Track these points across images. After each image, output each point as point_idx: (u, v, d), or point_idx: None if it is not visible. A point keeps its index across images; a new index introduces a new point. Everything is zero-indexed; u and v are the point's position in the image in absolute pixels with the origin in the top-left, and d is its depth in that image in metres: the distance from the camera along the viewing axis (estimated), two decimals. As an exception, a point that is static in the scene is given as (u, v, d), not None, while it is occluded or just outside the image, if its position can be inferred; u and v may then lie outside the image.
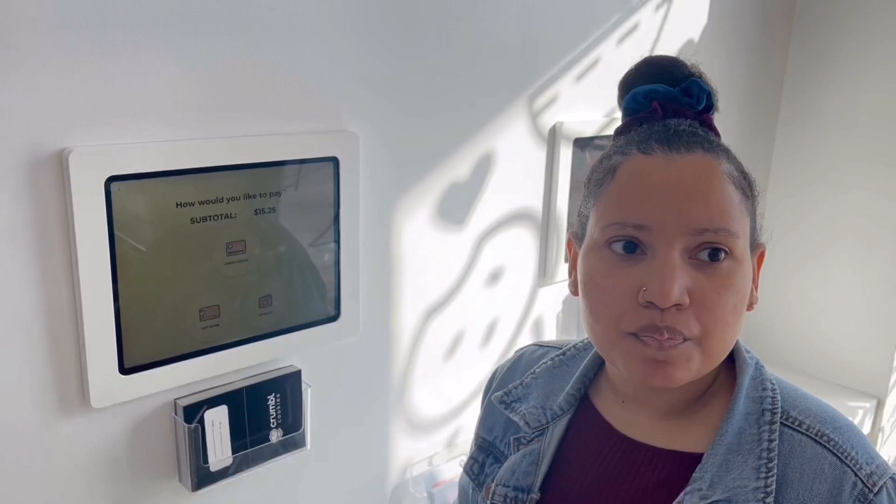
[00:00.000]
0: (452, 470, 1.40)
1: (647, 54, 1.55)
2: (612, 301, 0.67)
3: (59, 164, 0.87)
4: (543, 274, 1.49)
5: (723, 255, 0.65)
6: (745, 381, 0.73)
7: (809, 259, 1.99)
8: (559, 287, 1.53)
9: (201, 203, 0.98)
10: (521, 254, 1.44)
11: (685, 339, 0.65)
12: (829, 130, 1.90)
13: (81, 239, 0.89)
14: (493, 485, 0.80)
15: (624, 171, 0.68)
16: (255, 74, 1.00)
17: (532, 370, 0.86)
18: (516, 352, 0.92)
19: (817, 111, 1.90)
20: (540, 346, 0.90)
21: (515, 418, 0.82)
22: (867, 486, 0.66)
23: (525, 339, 1.50)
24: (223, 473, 1.05)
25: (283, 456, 1.12)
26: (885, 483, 0.67)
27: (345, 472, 1.27)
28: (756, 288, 0.72)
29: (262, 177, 1.03)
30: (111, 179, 0.89)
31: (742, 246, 0.67)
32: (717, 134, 0.74)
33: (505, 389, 0.85)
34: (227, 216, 1.01)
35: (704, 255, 0.65)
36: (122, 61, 0.89)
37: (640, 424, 0.75)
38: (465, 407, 1.43)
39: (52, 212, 0.88)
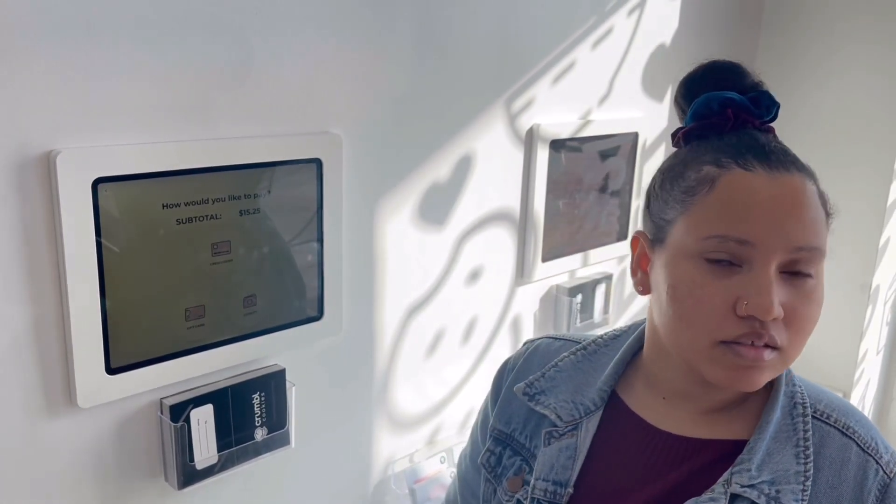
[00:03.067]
0: (433, 466, 1.42)
1: (621, 58, 1.59)
2: (708, 311, 0.69)
3: (47, 165, 0.87)
4: (521, 273, 1.52)
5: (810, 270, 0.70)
6: (782, 378, 0.77)
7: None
8: (536, 286, 1.56)
9: (187, 204, 0.99)
10: (499, 253, 1.47)
11: (773, 350, 0.70)
12: (795, 131, 1.96)
13: (68, 240, 0.89)
14: (532, 479, 0.81)
15: (724, 183, 0.70)
16: (240, 77, 1.02)
17: (553, 363, 0.87)
18: (525, 344, 0.94)
19: (784, 113, 1.95)
20: (556, 339, 0.92)
21: (545, 411, 0.83)
22: (886, 473, 0.73)
23: (504, 338, 1.53)
24: (209, 471, 1.06)
25: (268, 454, 1.13)
26: None
27: (328, 469, 1.28)
28: None
29: (247, 178, 1.04)
30: (98, 181, 0.90)
31: (823, 263, 0.71)
32: None
33: (527, 381, 0.86)
34: (212, 217, 1.02)
35: (794, 270, 0.69)
36: (108, 63, 0.90)
37: (680, 419, 0.78)
38: (445, 404, 1.45)
39: (38, 213, 0.88)
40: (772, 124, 0.78)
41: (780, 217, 0.68)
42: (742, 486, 0.71)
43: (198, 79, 0.98)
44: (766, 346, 0.69)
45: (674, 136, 0.80)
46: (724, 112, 0.75)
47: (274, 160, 1.06)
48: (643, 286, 0.79)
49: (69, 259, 0.90)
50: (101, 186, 0.91)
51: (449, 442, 1.46)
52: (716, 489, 0.72)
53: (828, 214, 0.73)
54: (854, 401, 2.01)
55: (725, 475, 0.72)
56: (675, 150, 0.81)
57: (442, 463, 1.43)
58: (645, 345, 0.83)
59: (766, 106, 0.76)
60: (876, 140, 1.85)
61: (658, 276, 0.75)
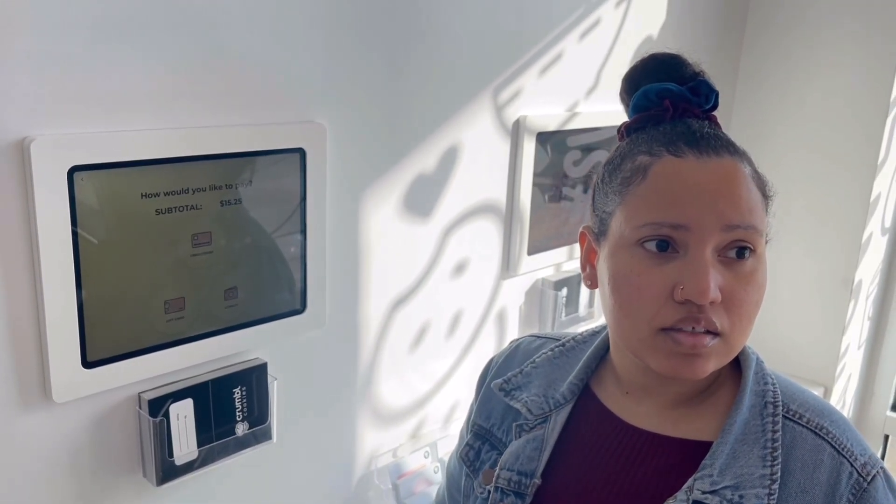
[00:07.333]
0: (416, 461, 1.41)
1: (608, 50, 1.58)
2: (647, 298, 0.69)
3: (21, 153, 0.85)
4: (507, 266, 1.50)
5: (748, 252, 0.69)
6: (750, 374, 0.76)
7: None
8: (522, 279, 1.55)
9: (167, 194, 0.97)
10: (485, 246, 1.45)
11: (714, 336, 0.68)
12: (780, 127, 1.96)
13: (43, 230, 0.86)
14: (497, 469, 0.81)
15: (656, 172, 0.70)
16: (222, 65, 0.99)
17: (531, 360, 0.87)
18: (511, 342, 0.94)
19: (768, 108, 1.96)
20: (537, 337, 0.92)
21: (517, 405, 0.83)
22: (861, 476, 0.70)
23: (489, 331, 1.52)
24: (189, 467, 1.04)
25: (249, 449, 1.11)
26: (877, 472, 0.71)
27: (310, 464, 1.27)
28: None
29: (229, 168, 1.02)
30: (74, 169, 0.87)
31: (762, 243, 0.71)
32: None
33: (504, 377, 0.87)
34: (192, 207, 0.99)
35: (732, 253, 0.68)
36: (86, 50, 0.87)
37: (644, 414, 0.77)
38: (429, 399, 1.44)
39: (12, 202, 0.85)
40: (714, 112, 0.78)
41: (712, 198, 0.68)
42: (703, 493, 0.70)
43: (178, 66, 0.95)
44: (707, 332, 0.68)
45: (618, 130, 0.81)
46: (662, 103, 0.75)
47: (256, 150, 1.04)
48: (591, 280, 0.79)
49: (44, 250, 0.87)
50: (77, 175, 0.88)
51: (433, 436, 1.45)
52: (678, 496, 0.71)
53: (766, 196, 0.73)
54: (835, 396, 2.02)
55: (689, 482, 0.71)
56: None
57: (426, 458, 1.42)
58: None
59: (704, 94, 0.76)
60: (859, 135, 1.85)
61: (602, 268, 0.75)
